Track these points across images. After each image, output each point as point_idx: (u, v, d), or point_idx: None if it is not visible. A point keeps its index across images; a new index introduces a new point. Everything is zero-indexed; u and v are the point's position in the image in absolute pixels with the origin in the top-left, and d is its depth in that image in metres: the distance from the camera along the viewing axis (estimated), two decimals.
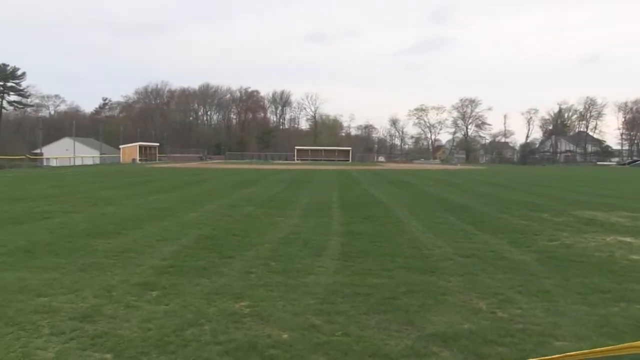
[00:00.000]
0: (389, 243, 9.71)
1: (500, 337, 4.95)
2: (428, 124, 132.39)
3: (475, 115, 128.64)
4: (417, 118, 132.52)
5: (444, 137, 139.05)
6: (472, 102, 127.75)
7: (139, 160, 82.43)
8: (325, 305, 5.85)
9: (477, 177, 38.72)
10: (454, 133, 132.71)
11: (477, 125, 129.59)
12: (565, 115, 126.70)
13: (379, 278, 7.06)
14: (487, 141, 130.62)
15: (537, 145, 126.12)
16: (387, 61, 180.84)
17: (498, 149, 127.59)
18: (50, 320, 5.26)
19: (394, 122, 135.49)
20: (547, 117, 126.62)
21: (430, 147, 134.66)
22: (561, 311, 5.74)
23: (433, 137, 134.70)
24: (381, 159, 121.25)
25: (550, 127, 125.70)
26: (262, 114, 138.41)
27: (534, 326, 5.25)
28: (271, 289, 6.45)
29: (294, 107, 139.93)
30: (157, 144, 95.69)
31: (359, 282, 6.84)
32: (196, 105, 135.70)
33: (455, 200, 18.78)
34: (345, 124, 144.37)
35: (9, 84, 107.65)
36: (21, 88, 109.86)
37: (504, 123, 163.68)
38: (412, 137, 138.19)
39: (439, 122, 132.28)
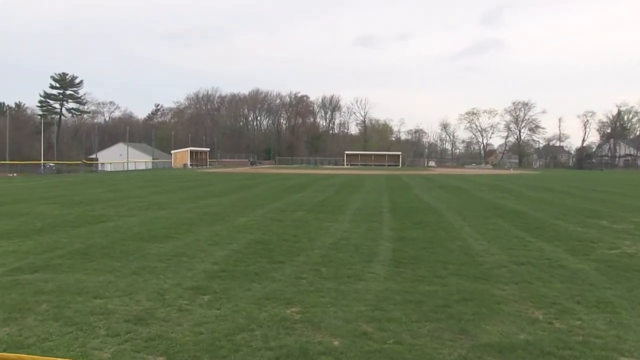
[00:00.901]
0: (440, 249, 9.58)
1: (558, 349, 4.78)
2: (479, 128, 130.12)
3: (529, 119, 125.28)
4: (469, 122, 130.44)
5: (496, 141, 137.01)
6: (526, 105, 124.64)
7: (190, 165, 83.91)
8: (376, 312, 5.79)
9: (531, 182, 37.79)
10: (507, 137, 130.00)
11: (531, 129, 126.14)
12: (625, 117, 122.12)
13: (431, 285, 6.96)
14: (541, 145, 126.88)
15: (594, 149, 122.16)
16: (437, 64, 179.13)
17: (552, 153, 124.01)
18: (106, 322, 5.39)
19: (444, 126, 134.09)
20: (605, 119, 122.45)
21: (482, 152, 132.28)
22: (625, 324, 5.50)
23: (485, 141, 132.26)
24: (432, 163, 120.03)
25: (609, 130, 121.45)
26: (312, 119, 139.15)
27: (596, 339, 5.06)
28: (322, 295, 6.44)
29: (344, 112, 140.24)
30: (208, 149, 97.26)
31: (411, 289, 6.76)
32: (246, 110, 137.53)
33: (509, 206, 18.39)
34: (395, 129, 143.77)
35: (68, 92, 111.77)
36: (79, 96, 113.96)
37: (559, 126, 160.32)
38: (463, 141, 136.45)
39: (491, 126, 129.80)
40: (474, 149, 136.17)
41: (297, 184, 32.95)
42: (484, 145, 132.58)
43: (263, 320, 5.50)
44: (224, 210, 16.40)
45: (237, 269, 7.85)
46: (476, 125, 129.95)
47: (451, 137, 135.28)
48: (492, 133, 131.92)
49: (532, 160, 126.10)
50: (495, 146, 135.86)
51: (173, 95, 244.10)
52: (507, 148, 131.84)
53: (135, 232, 11.53)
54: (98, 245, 9.72)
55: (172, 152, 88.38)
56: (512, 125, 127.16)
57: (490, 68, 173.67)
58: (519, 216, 15.18)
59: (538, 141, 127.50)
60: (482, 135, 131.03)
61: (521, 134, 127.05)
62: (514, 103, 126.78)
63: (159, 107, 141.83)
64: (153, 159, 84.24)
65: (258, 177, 42.90)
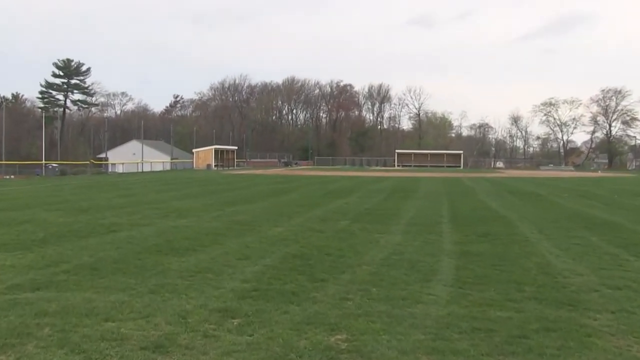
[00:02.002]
0: (514, 267, 9.40)
1: None
2: (559, 122, 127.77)
3: (622, 110, 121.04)
4: (545, 114, 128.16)
5: (580, 137, 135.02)
6: (618, 94, 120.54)
7: (215, 166, 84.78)
8: (438, 341, 5.69)
9: (626, 187, 36.92)
10: (593, 132, 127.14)
11: (625, 122, 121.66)
12: None
13: (504, 311, 6.81)
14: (638, 142, 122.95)
15: None
16: (507, 46, 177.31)
17: None
18: (119, 349, 5.42)
19: (515, 120, 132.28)
20: None
21: (562, 150, 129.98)
22: None
23: (565, 137, 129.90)
24: (500, 164, 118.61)
25: None
26: (357, 112, 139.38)
27: None
28: (372, 320, 6.36)
29: (394, 104, 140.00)
30: (235, 148, 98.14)
31: (479, 314, 6.63)
32: (280, 102, 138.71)
33: (598, 216, 17.97)
34: (455, 123, 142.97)
35: (73, 81, 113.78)
36: (86, 86, 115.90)
37: None
38: (538, 137, 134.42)
39: (573, 119, 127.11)
40: (551, 146, 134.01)
41: (339, 188, 32.95)
42: (563, 143, 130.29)
43: (303, 349, 5.45)
44: (255, 218, 16.45)
45: (271, 287, 7.83)
46: (554, 119, 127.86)
47: (523, 132, 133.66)
48: (575, 128, 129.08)
49: (627, 160, 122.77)
50: (579, 143, 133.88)
51: (195, 85, 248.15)
52: (593, 146, 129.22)
53: (152, 243, 11.65)
54: (109, 259, 9.84)
55: (194, 150, 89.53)
56: (600, 118, 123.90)
57: (572, 49, 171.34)
58: (612, 229, 14.80)
59: (634, 137, 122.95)
60: (561, 131, 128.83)
61: (612, 128, 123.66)
62: (602, 91, 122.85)
63: (178, 99, 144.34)
64: (172, 159, 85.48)
65: (294, 180, 43.04)
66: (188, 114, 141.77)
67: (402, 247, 11.36)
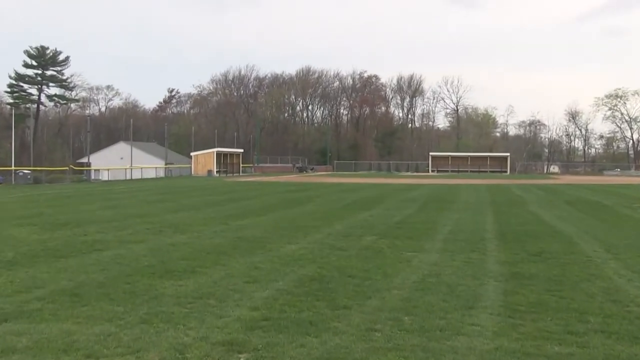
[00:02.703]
0: (575, 293, 9.30)
1: None
2: (627, 118, 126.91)
3: None
4: (610, 109, 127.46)
5: None
6: None
7: (217, 172, 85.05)
8: None
9: None
10: None
11: None
12: None
13: (564, 346, 6.73)
14: None
15: None
16: (562, 28, 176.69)
17: None
18: None
19: (573, 116, 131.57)
20: None
21: (631, 152, 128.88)
22: None
23: (635, 136, 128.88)
24: (554, 169, 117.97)
25: None
26: (384, 108, 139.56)
27: None
28: (405, 356, 6.32)
29: (428, 98, 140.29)
30: (241, 150, 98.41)
31: (533, 350, 6.57)
32: (293, 97, 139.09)
33: None
34: (500, 120, 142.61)
35: (49, 73, 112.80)
36: (64, 78, 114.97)
37: None
38: (601, 136, 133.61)
39: None
40: (617, 147, 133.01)
41: (364, 197, 32.93)
42: (633, 142, 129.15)
43: None
44: (266, 234, 16.45)
45: (284, 316, 7.79)
46: (621, 114, 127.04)
47: (583, 131, 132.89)
48: None
49: None
50: None
51: (193, 76, 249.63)
52: None
53: (143, 264, 11.65)
54: (92, 283, 9.83)
55: (193, 154, 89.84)
56: None
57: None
58: None
59: None
60: (630, 128, 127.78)
61: None
62: None
63: (174, 93, 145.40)
64: (166, 164, 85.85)
65: (310, 189, 43.10)
66: (185, 111, 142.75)
67: (439, 268, 11.29)
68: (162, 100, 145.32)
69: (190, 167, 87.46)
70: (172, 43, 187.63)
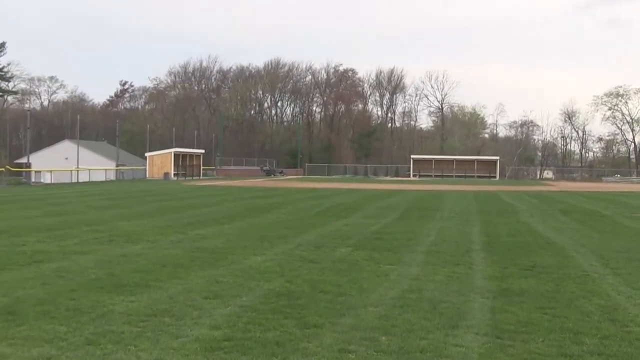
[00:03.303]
0: (569, 312, 9.38)
1: None
2: (629, 118, 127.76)
3: None
4: (610, 109, 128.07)
5: None
6: None
7: (175, 175, 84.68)
8: None
9: None
10: None
11: None
12: None
13: None
14: None
15: None
16: (560, 19, 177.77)
17: None
18: None
19: (569, 117, 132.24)
20: None
21: (632, 156, 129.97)
22: None
23: (638, 139, 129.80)
24: (548, 174, 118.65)
25: None
26: (361, 105, 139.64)
27: None
28: None
29: (410, 95, 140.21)
30: (202, 151, 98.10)
31: None
32: (260, 92, 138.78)
33: None
34: (489, 120, 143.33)
35: None
36: None
37: None
38: (599, 139, 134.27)
39: None
40: (617, 151, 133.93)
41: (339, 204, 33.00)
42: (635, 146, 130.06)
43: None
44: (228, 244, 16.43)
45: (248, 336, 7.79)
46: (623, 114, 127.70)
47: (580, 133, 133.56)
48: None
49: None
50: None
51: (149, 68, 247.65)
52: None
53: (90, 277, 11.57)
54: (31, 299, 9.74)
55: (148, 155, 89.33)
56: None
57: None
58: None
59: None
60: (632, 130, 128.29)
61: None
62: None
63: (126, 87, 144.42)
64: (118, 166, 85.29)
65: (279, 194, 43.09)
66: (140, 106, 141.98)
67: (421, 283, 11.33)
68: (113, 94, 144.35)
69: (145, 170, 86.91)
70: (124, 30, 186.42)
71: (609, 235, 19.95)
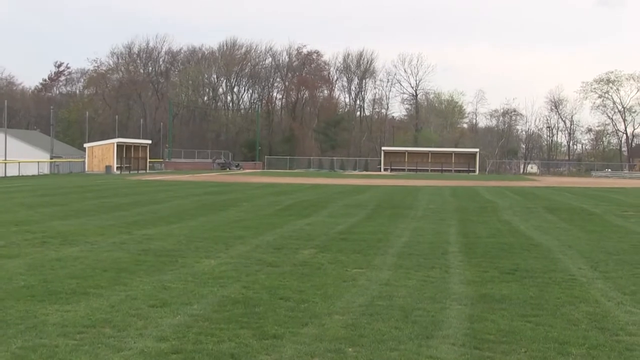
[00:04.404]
0: (554, 320, 9.48)
1: None
2: (620, 107, 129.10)
3: None
4: (600, 97, 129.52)
5: None
6: None
7: (118, 168, 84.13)
8: None
9: None
10: None
11: None
12: None
13: None
14: None
15: None
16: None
17: None
18: None
19: (555, 105, 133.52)
20: None
21: (624, 148, 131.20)
22: None
23: (630, 130, 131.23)
24: (533, 168, 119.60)
25: None
26: (327, 92, 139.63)
27: None
28: None
29: (381, 80, 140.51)
30: (149, 142, 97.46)
31: None
32: (214, 76, 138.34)
33: None
34: (468, 109, 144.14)
35: None
36: None
37: None
38: (589, 130, 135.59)
39: None
40: (608, 143, 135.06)
41: (301, 201, 33.05)
42: (627, 137, 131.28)
43: None
44: (178, 246, 16.39)
45: (200, 348, 7.80)
46: (614, 103, 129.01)
47: (567, 123, 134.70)
48: None
49: None
50: None
51: (88, 48, 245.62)
52: None
53: (19, 285, 11.46)
54: None
55: (87, 146, 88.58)
56: None
57: None
58: None
59: None
60: (624, 120, 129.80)
61: None
62: None
63: (62, 69, 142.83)
64: (53, 158, 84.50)
65: (235, 190, 43.01)
66: (78, 91, 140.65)
67: (392, 289, 11.38)
68: (46, 77, 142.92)
69: (84, 162, 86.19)
70: (59, 2, 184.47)
71: (598, 236, 20.11)
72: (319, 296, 10.68)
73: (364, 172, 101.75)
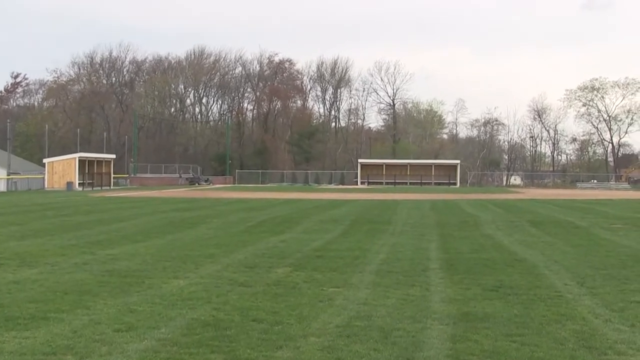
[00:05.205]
0: (540, 339, 9.50)
1: None
2: (606, 116, 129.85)
3: None
4: (585, 105, 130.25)
5: (638, 138, 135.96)
6: None
7: (80, 184, 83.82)
8: None
9: None
10: None
11: None
12: None
13: None
14: None
15: None
16: (526, 1, 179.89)
17: None
18: None
19: (539, 114, 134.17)
20: None
21: (610, 159, 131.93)
22: None
23: (616, 139, 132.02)
24: (516, 180, 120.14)
25: None
26: (300, 102, 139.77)
27: None
28: None
29: (356, 89, 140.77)
30: (113, 156, 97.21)
31: None
32: (182, 87, 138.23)
33: None
34: (448, 119, 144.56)
35: None
36: None
37: None
38: (573, 139, 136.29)
39: (628, 112, 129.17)
40: (593, 153, 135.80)
41: (274, 217, 33.03)
42: (613, 147, 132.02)
43: None
44: (144, 266, 16.34)
45: None
46: (599, 111, 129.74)
47: (551, 132, 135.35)
48: (630, 124, 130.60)
49: None
50: (637, 148, 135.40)
51: (47, 57, 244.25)
52: None
53: None
54: None
55: (47, 161, 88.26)
56: None
57: (628, 3, 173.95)
58: None
59: None
60: (609, 129, 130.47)
61: None
62: None
63: (19, 80, 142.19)
64: (9, 174, 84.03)
65: (204, 206, 42.96)
66: (36, 103, 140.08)
67: (370, 308, 11.39)
68: (2, 89, 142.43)
69: (44, 179, 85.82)
70: (17, 8, 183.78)
71: (584, 250, 20.21)
72: (293, 317, 10.65)
73: (340, 186, 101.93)
